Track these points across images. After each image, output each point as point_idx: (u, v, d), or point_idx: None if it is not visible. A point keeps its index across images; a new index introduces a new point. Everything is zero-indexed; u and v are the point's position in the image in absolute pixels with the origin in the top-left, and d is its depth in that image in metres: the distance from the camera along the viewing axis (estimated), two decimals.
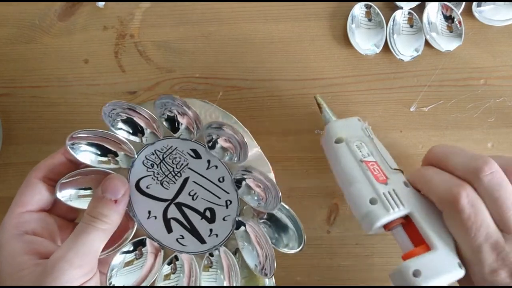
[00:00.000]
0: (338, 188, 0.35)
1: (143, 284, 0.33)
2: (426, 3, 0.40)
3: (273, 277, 0.33)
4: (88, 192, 0.34)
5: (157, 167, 0.33)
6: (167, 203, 0.33)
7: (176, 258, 0.34)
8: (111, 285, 0.32)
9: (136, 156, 0.34)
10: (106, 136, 0.33)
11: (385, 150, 0.34)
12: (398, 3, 0.40)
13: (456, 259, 0.28)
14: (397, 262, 0.30)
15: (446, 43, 0.40)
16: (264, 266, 0.32)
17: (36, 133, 0.42)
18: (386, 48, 0.40)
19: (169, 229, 0.33)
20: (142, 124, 0.34)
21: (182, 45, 0.42)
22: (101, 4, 0.42)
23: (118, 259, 0.33)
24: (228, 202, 0.33)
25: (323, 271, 0.41)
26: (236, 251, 0.33)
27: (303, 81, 0.41)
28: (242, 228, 0.33)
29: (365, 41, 0.41)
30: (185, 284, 0.34)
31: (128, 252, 0.34)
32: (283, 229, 0.33)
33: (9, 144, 0.42)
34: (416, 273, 0.27)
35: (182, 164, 0.33)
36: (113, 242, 0.32)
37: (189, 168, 0.33)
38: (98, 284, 0.30)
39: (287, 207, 0.32)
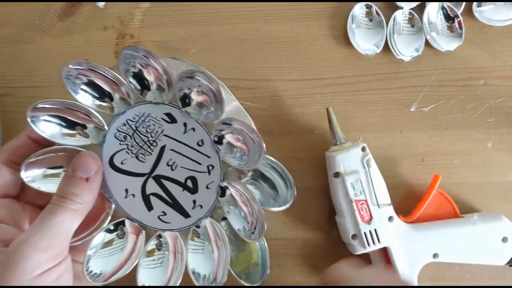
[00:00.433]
0: None
1: (125, 266, 0.31)
2: (426, 3, 0.40)
3: (265, 241, 0.31)
4: (57, 171, 0.31)
5: (131, 139, 0.31)
6: (144, 177, 0.31)
7: (160, 235, 0.32)
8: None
9: (107, 128, 0.31)
10: (73, 107, 0.30)
11: (382, 181, 0.37)
12: (399, 3, 0.40)
13: (414, 283, 0.36)
14: None
15: (446, 43, 0.40)
16: (254, 225, 0.30)
17: None
18: (386, 48, 0.40)
19: (149, 207, 0.31)
20: (108, 89, 0.31)
21: (182, 45, 0.42)
22: (101, 4, 0.42)
23: (98, 238, 0.31)
24: (210, 167, 0.30)
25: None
26: (223, 219, 0.32)
27: (303, 81, 0.41)
28: (228, 192, 0.31)
29: (365, 41, 0.41)
30: (171, 260, 0.32)
31: (109, 231, 0.32)
32: (271, 185, 0.31)
33: None
34: None
35: (157, 131, 0.31)
36: (88, 227, 0.31)
37: (164, 135, 0.31)
38: (69, 269, 0.28)
39: (273, 159, 0.30)
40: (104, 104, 0.31)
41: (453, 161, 0.40)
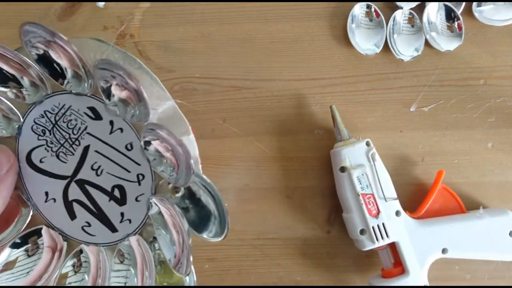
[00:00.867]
0: None
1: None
2: (426, 3, 0.40)
3: (193, 275, 0.26)
4: None
5: (50, 134, 0.27)
6: (66, 181, 0.27)
7: (81, 251, 0.28)
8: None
9: (22, 120, 0.26)
10: None
11: (387, 175, 0.37)
12: (398, 3, 0.40)
13: (424, 283, 0.36)
14: None
15: (446, 43, 0.40)
16: (180, 259, 0.25)
17: None
18: (386, 48, 0.40)
19: (72, 215, 0.27)
20: (11, 70, 0.26)
21: (182, 45, 0.42)
22: (101, 4, 0.42)
23: (3, 255, 0.26)
24: (140, 177, 0.26)
25: (323, 271, 0.41)
26: (154, 240, 0.27)
27: (303, 81, 0.41)
28: (157, 209, 0.27)
29: (365, 41, 0.41)
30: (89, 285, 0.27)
31: (16, 245, 0.27)
32: (204, 210, 0.26)
33: None
34: None
35: (79, 128, 0.26)
36: None
37: (88, 133, 0.26)
38: None
39: (207, 180, 0.25)
40: (8, 90, 0.25)
41: (453, 161, 0.40)
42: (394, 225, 0.36)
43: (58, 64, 0.25)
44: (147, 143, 0.26)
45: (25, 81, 0.26)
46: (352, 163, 0.37)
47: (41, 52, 0.25)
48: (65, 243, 0.28)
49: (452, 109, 0.41)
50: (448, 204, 0.39)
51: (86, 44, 0.26)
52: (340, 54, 0.41)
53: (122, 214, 0.27)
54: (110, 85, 0.25)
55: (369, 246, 0.37)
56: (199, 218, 0.26)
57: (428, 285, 0.36)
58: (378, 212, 0.36)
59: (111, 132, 0.26)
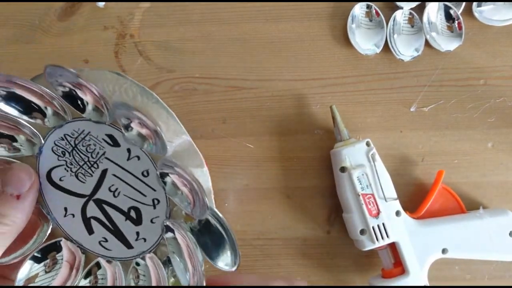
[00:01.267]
0: None
1: None
2: (426, 3, 0.40)
3: None
4: None
5: (70, 156, 0.28)
6: (85, 199, 0.28)
7: (98, 266, 0.29)
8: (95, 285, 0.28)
9: (43, 141, 0.28)
10: None
11: (387, 175, 0.37)
12: (398, 3, 0.40)
13: (424, 283, 0.36)
14: None
15: (446, 43, 0.40)
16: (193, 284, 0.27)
17: None
18: (386, 48, 0.40)
19: (90, 230, 0.28)
20: (38, 102, 0.27)
21: (182, 45, 0.42)
22: (101, 4, 0.42)
23: (25, 269, 0.27)
24: (156, 201, 0.28)
25: (323, 271, 0.41)
26: (167, 260, 0.29)
27: (303, 81, 0.41)
28: (170, 234, 0.28)
29: (365, 41, 0.41)
30: None
31: (36, 259, 0.28)
32: (218, 238, 0.27)
33: None
34: None
35: (98, 152, 0.28)
36: (18, 245, 0.27)
37: (106, 158, 0.28)
38: None
39: (220, 215, 0.27)
40: (33, 121, 0.27)
41: (453, 161, 0.40)
42: (394, 225, 0.36)
43: (81, 99, 0.27)
44: (164, 174, 0.27)
45: (49, 110, 0.27)
46: (352, 163, 0.37)
47: (67, 89, 0.27)
48: (83, 255, 0.29)
49: (452, 109, 0.41)
50: (448, 204, 0.39)
51: (105, 77, 0.27)
52: (340, 54, 0.41)
53: (137, 233, 0.28)
54: (130, 122, 0.26)
55: (369, 246, 0.37)
56: (212, 244, 0.27)
57: (428, 285, 0.36)
58: (378, 212, 0.36)
59: (128, 159, 0.28)
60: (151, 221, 0.28)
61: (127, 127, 0.27)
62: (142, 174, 0.27)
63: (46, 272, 0.28)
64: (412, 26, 0.40)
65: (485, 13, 0.40)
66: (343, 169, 0.37)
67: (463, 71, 0.41)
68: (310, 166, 0.41)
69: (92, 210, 0.28)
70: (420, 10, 0.40)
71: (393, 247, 0.37)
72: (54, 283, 0.27)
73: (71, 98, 0.27)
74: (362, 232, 0.37)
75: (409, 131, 0.41)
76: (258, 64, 0.41)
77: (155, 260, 0.28)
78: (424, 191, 0.39)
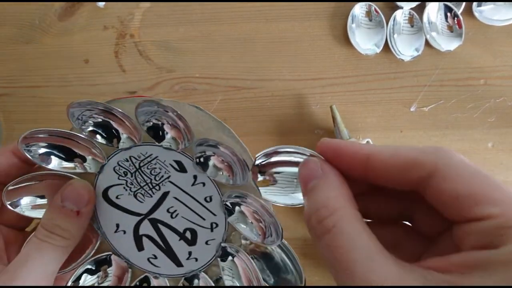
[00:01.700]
0: None
1: None
2: (426, 3, 0.40)
3: None
4: (43, 201, 0.28)
5: (131, 176, 0.28)
6: (140, 217, 0.29)
7: (147, 282, 0.30)
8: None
9: (106, 161, 0.28)
10: (72, 137, 0.27)
11: None
12: (399, 3, 0.40)
13: None
14: None
15: (446, 43, 0.40)
16: None
17: None
18: (386, 48, 0.40)
19: (140, 247, 0.29)
20: (119, 128, 0.28)
21: (182, 45, 0.42)
22: (101, 4, 0.42)
23: (81, 281, 0.28)
24: (214, 225, 0.28)
25: (323, 271, 0.41)
26: (218, 280, 0.29)
27: (303, 81, 0.41)
28: (229, 258, 0.28)
29: (365, 41, 0.41)
30: None
31: (90, 271, 0.28)
32: (277, 267, 0.28)
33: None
34: None
35: (162, 176, 0.28)
36: (72, 257, 0.28)
37: (170, 181, 0.28)
38: None
39: (287, 245, 0.28)
40: (104, 142, 0.28)
41: None
42: None
43: (164, 131, 0.28)
44: (233, 204, 0.28)
45: (124, 135, 0.28)
46: None
47: (158, 123, 0.28)
48: (130, 270, 0.30)
49: (452, 109, 0.41)
50: None
51: (184, 109, 0.28)
52: (340, 54, 0.41)
53: (189, 253, 0.29)
54: (212, 156, 0.27)
55: None
56: (271, 273, 0.28)
57: None
58: None
59: (193, 184, 0.28)
60: (206, 243, 0.28)
61: (204, 159, 0.27)
62: (205, 199, 0.28)
63: (99, 284, 0.29)
64: (412, 26, 0.40)
65: (485, 13, 0.40)
66: None
67: (463, 71, 0.41)
68: None
69: (146, 228, 0.29)
70: (420, 10, 0.40)
71: None
72: None
73: (155, 129, 0.28)
74: None
75: (409, 131, 0.41)
76: (258, 64, 0.41)
77: (206, 279, 0.29)
78: None
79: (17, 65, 0.43)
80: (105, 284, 0.29)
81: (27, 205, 0.27)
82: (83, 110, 0.26)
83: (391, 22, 0.40)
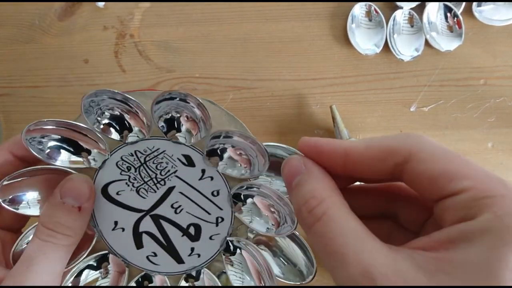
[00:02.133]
0: None
1: None
2: (426, 3, 0.40)
3: None
4: (40, 197, 0.27)
5: (135, 171, 0.27)
6: (140, 214, 0.28)
7: (148, 279, 0.29)
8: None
9: (108, 155, 0.27)
10: (80, 130, 0.26)
11: None
12: (398, 3, 0.40)
13: None
14: None
15: (446, 43, 0.40)
16: None
17: None
18: (386, 48, 0.40)
19: (139, 245, 0.28)
20: (130, 121, 0.27)
21: (182, 45, 0.42)
22: (101, 4, 0.42)
23: (83, 276, 0.28)
24: (220, 219, 0.27)
25: (323, 271, 0.41)
26: (220, 275, 0.29)
27: (303, 81, 0.41)
28: (238, 251, 0.28)
29: (365, 41, 0.41)
30: None
31: (92, 267, 0.28)
32: (286, 257, 0.28)
33: None
34: None
35: (168, 170, 0.27)
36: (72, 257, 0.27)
37: (177, 176, 0.27)
38: None
39: (297, 234, 0.27)
40: (119, 136, 0.27)
41: None
42: None
43: (180, 123, 0.27)
44: (246, 196, 0.27)
45: (135, 129, 0.27)
46: None
47: (177, 116, 0.27)
48: (127, 269, 0.29)
49: (452, 109, 0.41)
50: None
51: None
52: (340, 54, 0.41)
53: (192, 249, 0.28)
54: (226, 148, 0.26)
55: None
56: (282, 263, 0.28)
57: None
58: None
59: (200, 179, 0.27)
60: (210, 238, 0.28)
61: (219, 153, 0.27)
62: (212, 193, 0.27)
63: (102, 278, 0.28)
64: (412, 26, 0.40)
65: (485, 13, 0.40)
66: None
67: (463, 71, 0.41)
68: None
69: (147, 225, 0.28)
70: (420, 10, 0.40)
71: None
72: None
73: (170, 121, 0.27)
74: None
75: (409, 130, 0.41)
76: (258, 64, 0.41)
77: (209, 276, 0.28)
78: None
79: (17, 65, 0.43)
80: (107, 279, 0.28)
81: (23, 202, 0.26)
82: (99, 100, 0.25)
83: (391, 22, 0.40)
